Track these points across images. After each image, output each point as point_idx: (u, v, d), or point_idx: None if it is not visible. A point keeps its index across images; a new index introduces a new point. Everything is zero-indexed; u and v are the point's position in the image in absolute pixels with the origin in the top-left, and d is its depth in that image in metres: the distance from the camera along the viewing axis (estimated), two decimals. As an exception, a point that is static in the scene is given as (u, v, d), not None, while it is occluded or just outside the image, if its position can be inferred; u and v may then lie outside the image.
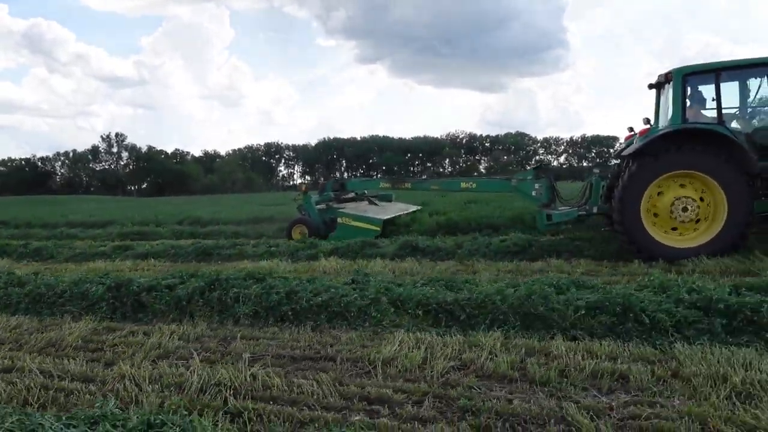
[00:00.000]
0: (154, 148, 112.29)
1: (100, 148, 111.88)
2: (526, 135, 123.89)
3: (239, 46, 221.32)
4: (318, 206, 13.17)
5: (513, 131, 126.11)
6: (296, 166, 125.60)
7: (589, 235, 10.44)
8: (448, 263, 9.19)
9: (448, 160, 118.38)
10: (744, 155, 8.13)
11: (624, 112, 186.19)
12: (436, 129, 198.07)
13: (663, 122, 9.27)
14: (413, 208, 14.97)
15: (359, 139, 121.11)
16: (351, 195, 14.08)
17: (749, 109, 8.82)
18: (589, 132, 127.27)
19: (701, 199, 8.42)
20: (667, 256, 8.34)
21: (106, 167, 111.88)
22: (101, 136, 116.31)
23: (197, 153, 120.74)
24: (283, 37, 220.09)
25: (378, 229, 12.20)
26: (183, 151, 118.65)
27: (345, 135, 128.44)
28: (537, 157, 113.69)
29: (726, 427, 3.14)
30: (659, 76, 9.25)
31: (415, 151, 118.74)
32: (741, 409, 3.34)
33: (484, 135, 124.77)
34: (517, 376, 4.09)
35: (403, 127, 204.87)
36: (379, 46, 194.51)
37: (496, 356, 4.43)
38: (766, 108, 8.60)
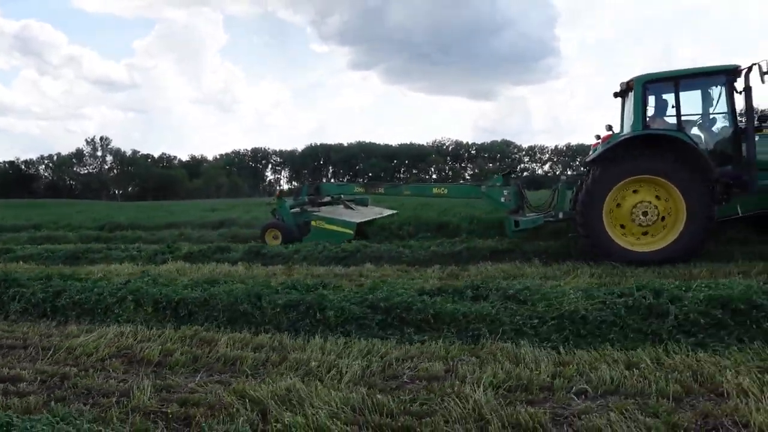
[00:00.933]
0: (138, 152, 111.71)
1: (85, 152, 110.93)
2: (512, 143, 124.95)
3: (233, 50, 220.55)
4: (292, 210, 13.18)
5: (499, 139, 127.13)
6: (283, 172, 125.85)
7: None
8: (275, 267, 9.76)
9: (433, 167, 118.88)
10: (702, 161, 8.29)
11: (616, 121, 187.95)
12: (429, 136, 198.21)
13: (626, 129, 9.43)
14: (388, 212, 15.01)
15: (346, 145, 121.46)
16: (327, 199, 14.12)
17: (708, 116, 8.99)
18: (578, 141, 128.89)
19: (662, 205, 8.54)
20: (628, 259, 8.47)
21: (91, 171, 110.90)
22: (86, 140, 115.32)
23: (185, 157, 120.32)
24: (277, 42, 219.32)
25: (351, 232, 12.24)
26: (170, 156, 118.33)
27: (338, 141, 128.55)
28: (520, 166, 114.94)
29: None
30: (621, 83, 9.43)
31: (401, 157, 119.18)
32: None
33: (470, 143, 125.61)
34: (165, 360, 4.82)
35: (395, 134, 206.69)
36: (372, 52, 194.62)
37: (166, 344, 5.16)
38: (724, 115, 8.74)
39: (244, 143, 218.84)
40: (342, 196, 14.53)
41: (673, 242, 8.44)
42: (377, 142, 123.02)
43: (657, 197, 8.59)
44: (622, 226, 8.80)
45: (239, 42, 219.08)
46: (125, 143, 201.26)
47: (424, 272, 8.68)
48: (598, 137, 10.33)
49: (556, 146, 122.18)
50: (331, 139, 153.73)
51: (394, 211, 15.14)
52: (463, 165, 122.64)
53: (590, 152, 10.16)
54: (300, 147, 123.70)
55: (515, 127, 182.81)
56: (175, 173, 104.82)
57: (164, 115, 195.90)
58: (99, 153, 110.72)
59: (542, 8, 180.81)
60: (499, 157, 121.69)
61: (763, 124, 8.39)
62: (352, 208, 14.39)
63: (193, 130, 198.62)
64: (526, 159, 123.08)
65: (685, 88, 8.74)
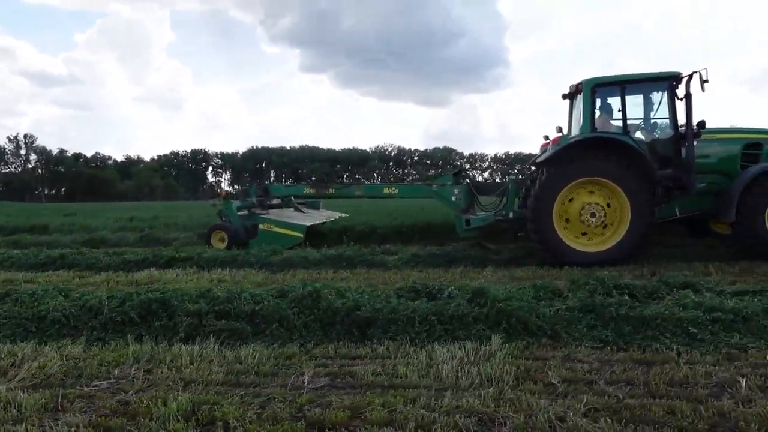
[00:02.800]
0: (66, 151, 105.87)
1: (7, 150, 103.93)
2: (454, 150, 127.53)
3: (180, 48, 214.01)
4: (240, 212, 12.69)
5: (450, 146, 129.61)
6: (225, 175, 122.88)
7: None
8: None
9: (376, 172, 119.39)
10: (646, 164, 8.59)
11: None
12: (379, 141, 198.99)
13: (574, 131, 9.67)
14: (339, 215, 14.79)
15: (288, 148, 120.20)
16: (276, 201, 13.73)
17: (651, 121, 9.35)
18: (518, 149, 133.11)
19: (608, 206, 8.81)
20: (577, 260, 8.64)
21: (14, 170, 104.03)
22: (8, 137, 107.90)
23: (120, 158, 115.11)
24: (226, 42, 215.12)
25: (301, 236, 11.86)
26: (104, 155, 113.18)
27: (281, 144, 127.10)
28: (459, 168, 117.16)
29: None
30: (571, 86, 9.67)
31: (344, 162, 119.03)
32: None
33: (413, 149, 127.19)
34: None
35: (346, 138, 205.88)
36: (324, 55, 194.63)
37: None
38: (665, 120, 9.11)
39: (189, 144, 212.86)
40: (292, 198, 14.20)
41: (618, 242, 8.69)
42: (321, 146, 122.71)
43: (604, 198, 8.84)
44: (567, 221, 8.97)
45: (187, 40, 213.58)
46: (62, 141, 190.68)
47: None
48: (546, 138, 10.57)
49: (495, 154, 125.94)
50: (281, 142, 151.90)
51: (346, 215, 14.93)
52: (405, 171, 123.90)
53: (539, 153, 10.34)
54: (242, 149, 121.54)
55: (465, 134, 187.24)
56: (106, 174, 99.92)
57: (105, 112, 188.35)
58: (23, 151, 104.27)
59: (493, 19, 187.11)
60: (441, 164, 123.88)
61: (702, 130, 8.76)
62: (302, 211, 14.04)
63: (136, 128, 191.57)
64: (467, 166, 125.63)
65: (630, 92, 9.05)
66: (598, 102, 9.20)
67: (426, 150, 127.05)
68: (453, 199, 10.83)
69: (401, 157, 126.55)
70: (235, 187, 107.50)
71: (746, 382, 3.57)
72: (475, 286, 5.46)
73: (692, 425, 3.02)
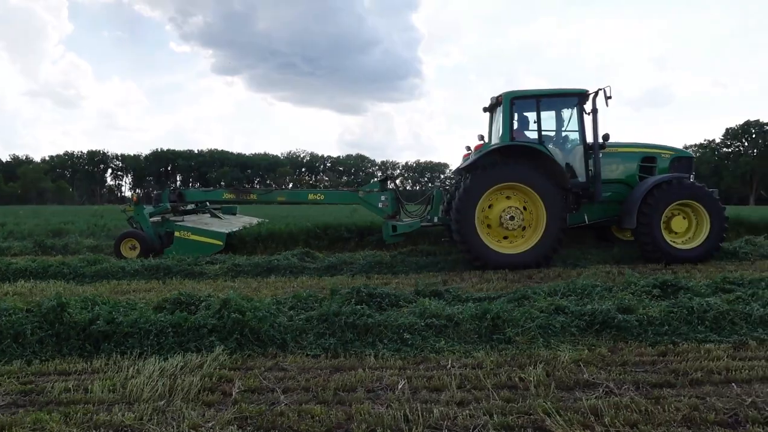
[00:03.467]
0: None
1: None
2: (366, 157, 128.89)
3: (78, 41, 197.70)
4: (152, 218, 12.01)
5: (363, 153, 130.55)
6: (125, 178, 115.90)
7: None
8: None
9: (288, 178, 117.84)
10: (559, 172, 9.29)
11: (472, 140, 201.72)
12: (293, 146, 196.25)
13: (494, 140, 10.23)
14: (257, 221, 14.49)
15: (196, 152, 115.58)
16: (191, 207, 13.17)
17: (562, 133, 10.11)
18: (434, 158, 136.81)
19: (524, 209, 9.38)
20: (499, 263, 9.12)
21: None
22: None
23: (6, 157, 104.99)
24: (131, 37, 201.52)
25: (220, 243, 11.44)
26: None
27: (189, 147, 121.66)
28: (372, 180, 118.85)
29: None
30: (492, 98, 10.24)
31: (254, 167, 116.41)
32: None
33: (325, 155, 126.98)
34: None
35: (260, 143, 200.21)
36: (238, 57, 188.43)
37: None
38: (574, 132, 9.88)
39: (87, 144, 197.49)
40: (207, 203, 13.71)
41: (536, 245, 9.27)
42: (231, 151, 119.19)
43: (521, 203, 9.41)
44: (490, 227, 9.48)
45: (86, 33, 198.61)
46: None
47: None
48: (468, 148, 11.07)
49: (407, 162, 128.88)
50: (189, 145, 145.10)
51: (265, 220, 14.67)
52: (317, 177, 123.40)
53: (462, 161, 10.82)
54: (146, 151, 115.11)
55: (379, 142, 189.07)
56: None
57: None
58: None
59: (407, 31, 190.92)
60: (354, 171, 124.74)
61: (606, 143, 9.59)
62: (219, 217, 13.60)
63: (26, 126, 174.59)
64: (379, 173, 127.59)
65: (544, 106, 9.74)
66: (516, 113, 9.78)
67: (339, 156, 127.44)
68: (380, 205, 11.01)
69: (314, 164, 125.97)
70: (137, 191, 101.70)
71: (407, 383, 3.78)
72: (224, 297, 5.31)
73: (320, 425, 3.18)
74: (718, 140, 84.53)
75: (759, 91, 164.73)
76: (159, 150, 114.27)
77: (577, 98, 9.61)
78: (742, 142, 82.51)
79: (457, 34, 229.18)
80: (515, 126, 9.77)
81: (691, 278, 7.28)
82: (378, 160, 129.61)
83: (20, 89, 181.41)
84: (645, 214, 9.17)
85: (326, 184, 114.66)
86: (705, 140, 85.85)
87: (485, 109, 10.68)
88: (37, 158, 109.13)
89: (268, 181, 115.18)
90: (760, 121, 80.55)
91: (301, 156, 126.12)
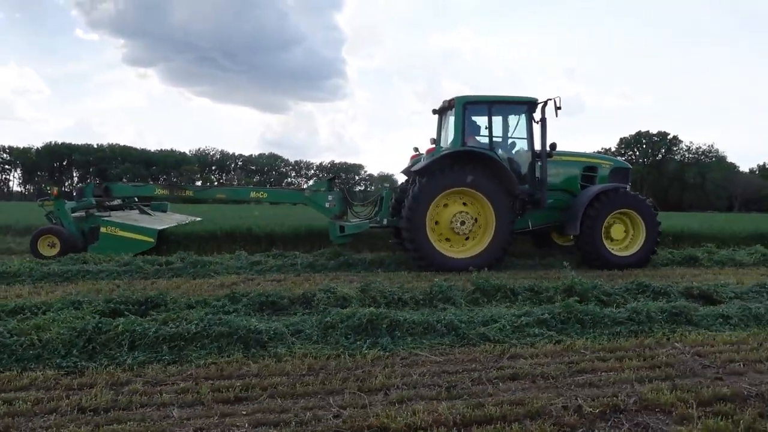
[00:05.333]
0: None
1: None
2: (279, 156, 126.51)
3: None
4: (74, 214, 11.11)
5: (267, 152, 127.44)
6: (14, 172, 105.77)
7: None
8: None
9: (196, 176, 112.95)
10: (509, 178, 9.54)
11: (393, 143, 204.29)
12: (212, 143, 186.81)
13: (444, 144, 10.36)
14: (190, 219, 13.77)
15: (95, 146, 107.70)
16: (117, 202, 12.31)
17: (510, 140, 10.41)
18: (355, 160, 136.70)
19: (476, 220, 9.56)
20: (448, 266, 9.21)
21: None
22: None
23: None
24: (30, 21, 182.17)
25: (151, 240, 10.84)
26: None
27: (95, 141, 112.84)
28: (287, 180, 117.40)
29: None
30: (444, 101, 10.34)
31: (160, 164, 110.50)
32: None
33: (236, 153, 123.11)
34: None
35: (175, 139, 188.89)
36: (152, 48, 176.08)
37: None
38: (523, 140, 10.20)
39: None
40: (135, 198, 12.87)
41: (485, 249, 9.48)
42: (134, 146, 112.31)
43: (470, 208, 9.59)
44: (436, 228, 9.58)
45: None
46: None
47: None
48: (416, 149, 11.15)
49: (321, 163, 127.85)
50: (96, 139, 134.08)
51: (198, 218, 13.96)
52: (228, 176, 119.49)
53: (410, 164, 10.86)
54: (38, 144, 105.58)
55: (303, 141, 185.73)
56: None
57: None
58: None
59: (330, 31, 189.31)
60: (266, 170, 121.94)
61: (553, 151, 9.95)
62: (148, 214, 12.82)
63: None
64: (293, 173, 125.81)
65: (495, 112, 9.97)
66: (467, 118, 9.96)
67: (251, 155, 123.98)
68: (327, 205, 10.82)
69: (224, 162, 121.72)
70: (27, 187, 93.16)
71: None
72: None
73: None
74: (613, 149, 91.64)
75: (656, 104, 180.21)
76: (53, 143, 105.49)
77: (527, 106, 9.91)
78: (634, 151, 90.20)
79: (380, 37, 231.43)
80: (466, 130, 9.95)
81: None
82: (291, 160, 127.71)
83: None
84: (588, 222, 9.57)
85: (234, 184, 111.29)
86: (602, 148, 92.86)
87: (434, 112, 10.78)
88: None
89: (175, 179, 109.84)
90: (650, 132, 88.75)
91: (211, 154, 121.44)
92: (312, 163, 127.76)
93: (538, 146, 9.94)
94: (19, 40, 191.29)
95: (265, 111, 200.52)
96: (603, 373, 4.11)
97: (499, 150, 10.01)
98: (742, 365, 4.33)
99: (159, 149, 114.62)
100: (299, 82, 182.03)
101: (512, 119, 10.28)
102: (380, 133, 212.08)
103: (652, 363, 4.38)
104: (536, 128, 9.93)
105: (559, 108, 9.42)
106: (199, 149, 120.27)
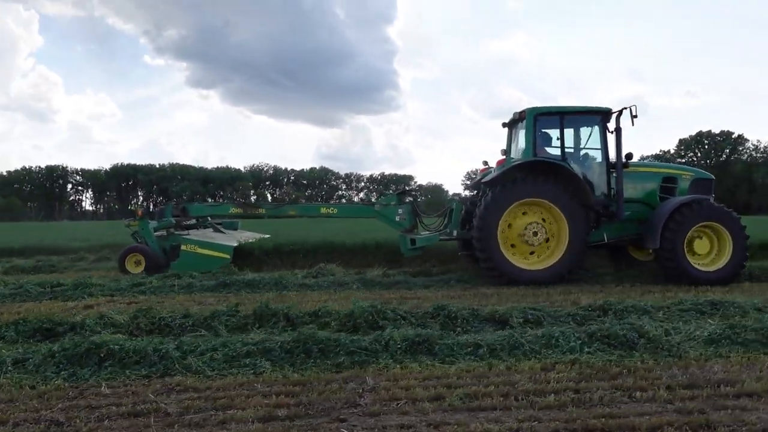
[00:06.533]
0: None
1: None
2: (330, 170, 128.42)
3: (49, 54, 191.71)
4: (157, 233, 11.77)
5: (318, 166, 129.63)
6: (86, 193, 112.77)
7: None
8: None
9: (252, 192, 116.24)
10: (583, 189, 9.39)
11: (447, 152, 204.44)
12: (269, 159, 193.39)
13: (515, 155, 10.32)
14: (260, 236, 14.26)
15: (157, 166, 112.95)
16: (192, 222, 12.94)
17: (583, 151, 10.24)
18: (407, 171, 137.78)
19: (544, 220, 9.46)
20: (520, 279, 9.16)
21: None
22: None
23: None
24: (104, 51, 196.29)
25: (228, 257, 11.35)
26: None
27: (176, 160, 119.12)
28: (338, 193, 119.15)
29: None
30: (514, 113, 10.31)
31: (216, 181, 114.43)
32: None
33: (289, 168, 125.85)
34: None
35: (236, 157, 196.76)
36: (213, 70, 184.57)
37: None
38: (596, 150, 10.01)
39: (58, 158, 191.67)
40: (209, 218, 13.47)
41: (557, 263, 9.34)
42: (192, 165, 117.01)
43: (543, 220, 9.50)
44: (513, 246, 9.55)
45: (58, 46, 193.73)
46: None
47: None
48: (485, 163, 11.17)
49: (371, 175, 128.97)
50: (164, 159, 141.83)
51: (267, 236, 14.43)
52: (282, 190, 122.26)
53: (478, 176, 10.88)
54: (107, 166, 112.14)
55: (358, 154, 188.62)
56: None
57: None
58: None
59: (381, 43, 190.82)
60: (318, 183, 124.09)
61: (629, 162, 9.72)
62: (222, 232, 13.38)
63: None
64: (344, 186, 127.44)
65: (567, 123, 9.83)
66: (538, 129, 9.89)
67: (303, 170, 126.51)
68: (397, 218, 10.94)
69: (277, 177, 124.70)
70: (98, 206, 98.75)
71: None
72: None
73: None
74: (672, 151, 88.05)
75: (724, 102, 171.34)
76: (120, 165, 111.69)
77: (600, 116, 9.74)
78: (695, 152, 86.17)
79: (432, 47, 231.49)
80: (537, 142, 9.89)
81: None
82: (342, 173, 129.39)
83: None
84: (669, 235, 9.15)
85: (287, 198, 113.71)
86: (660, 151, 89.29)
87: (504, 125, 10.79)
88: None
89: (230, 195, 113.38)
90: (712, 131, 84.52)
91: (265, 169, 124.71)
92: (362, 176, 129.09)
93: (613, 157, 9.73)
94: (95, 69, 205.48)
95: (320, 126, 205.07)
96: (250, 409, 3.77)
97: (572, 161, 9.85)
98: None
99: (215, 167, 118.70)
100: (353, 96, 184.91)
101: (585, 130, 10.12)
102: (434, 142, 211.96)
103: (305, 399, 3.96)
104: (611, 138, 9.75)
105: (636, 117, 9.24)
106: (253, 165, 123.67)
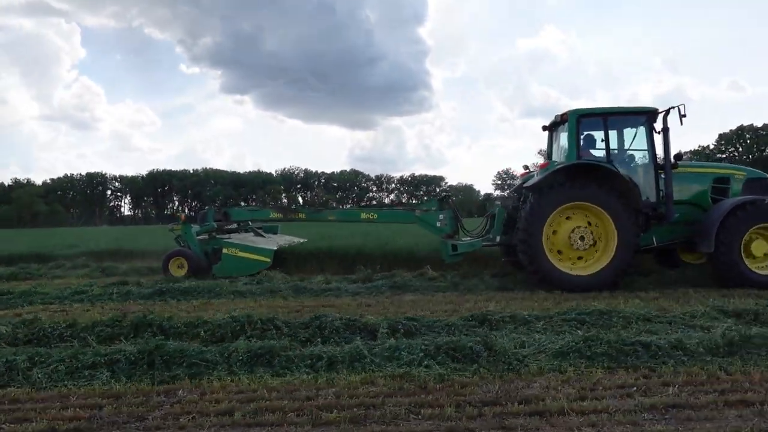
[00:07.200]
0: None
1: None
2: (360, 173, 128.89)
3: (91, 65, 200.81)
4: (199, 237, 12.03)
5: (348, 169, 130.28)
6: (124, 199, 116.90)
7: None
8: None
9: (284, 195, 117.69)
10: (631, 191, 9.13)
11: (478, 151, 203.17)
12: (305, 163, 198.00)
13: (558, 158, 10.14)
14: (298, 240, 14.41)
15: (191, 171, 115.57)
16: (233, 226, 13.16)
17: (628, 152, 9.96)
18: (440, 172, 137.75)
19: (589, 223, 9.23)
20: (567, 285, 8.92)
21: None
22: None
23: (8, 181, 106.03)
24: (142, 60, 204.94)
25: (268, 260, 11.51)
26: None
27: (212, 165, 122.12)
28: (368, 195, 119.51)
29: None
30: (555, 116, 10.14)
31: (248, 185, 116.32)
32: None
33: (319, 171, 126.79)
34: None
35: (271, 161, 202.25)
36: (246, 76, 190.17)
37: None
38: (643, 152, 9.72)
39: (100, 166, 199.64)
40: (249, 222, 13.68)
41: (604, 268, 9.06)
42: (225, 169, 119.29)
43: (589, 223, 9.28)
44: (559, 252, 9.33)
45: (99, 57, 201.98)
46: None
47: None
48: (526, 167, 11.01)
49: (401, 176, 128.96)
50: (200, 164, 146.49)
51: (304, 240, 14.57)
52: (310, 193, 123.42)
53: (521, 182, 10.70)
54: (144, 172, 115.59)
55: (391, 155, 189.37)
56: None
57: (7, 131, 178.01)
58: None
59: (413, 44, 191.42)
60: (348, 185, 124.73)
61: (678, 163, 9.42)
62: (262, 235, 13.57)
63: (42, 149, 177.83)
64: (374, 188, 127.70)
65: (611, 124, 9.60)
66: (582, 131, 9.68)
67: (333, 173, 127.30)
68: (438, 224, 10.88)
69: (308, 180, 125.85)
70: (136, 211, 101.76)
71: None
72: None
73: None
74: (711, 146, 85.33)
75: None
76: (155, 171, 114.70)
77: (646, 116, 9.48)
78: (735, 147, 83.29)
79: (464, 46, 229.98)
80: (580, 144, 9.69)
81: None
82: (372, 175, 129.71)
83: (35, 114, 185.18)
84: (724, 238, 8.80)
85: (318, 200, 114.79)
86: (699, 146, 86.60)
87: (545, 128, 10.61)
88: (38, 181, 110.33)
89: (264, 199, 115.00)
90: (755, 125, 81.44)
91: (295, 173, 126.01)
92: (392, 177, 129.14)
93: (660, 158, 9.44)
94: (135, 79, 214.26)
95: (354, 128, 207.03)
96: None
97: (617, 163, 9.56)
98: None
99: (247, 171, 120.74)
100: (386, 97, 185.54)
101: (630, 130, 9.85)
102: (467, 141, 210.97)
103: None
104: (658, 139, 9.45)
105: (684, 116, 8.94)
106: (284, 169, 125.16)
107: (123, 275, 12.40)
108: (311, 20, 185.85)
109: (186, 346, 5.19)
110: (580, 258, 9.33)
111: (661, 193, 9.49)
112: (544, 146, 10.94)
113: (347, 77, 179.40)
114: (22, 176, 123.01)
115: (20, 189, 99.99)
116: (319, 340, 5.66)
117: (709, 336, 5.32)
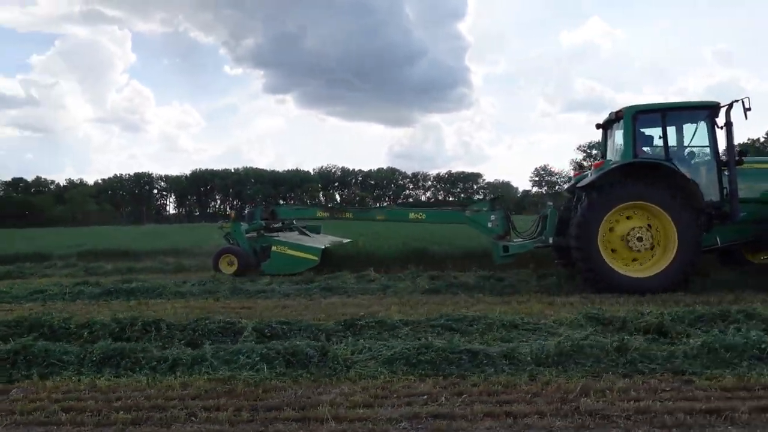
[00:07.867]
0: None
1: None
2: (397, 170, 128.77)
3: (141, 69, 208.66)
4: (248, 234, 12.29)
5: (385, 167, 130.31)
6: (169, 198, 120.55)
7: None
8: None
9: (321, 193, 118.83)
10: (693, 190, 8.78)
11: (518, 148, 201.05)
12: (345, 161, 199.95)
13: (613, 157, 9.87)
14: (344, 240, 14.53)
15: (232, 171, 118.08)
16: (279, 224, 13.38)
17: (688, 149, 9.64)
18: (460, 169, 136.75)
19: (649, 227, 8.91)
20: (624, 287, 8.62)
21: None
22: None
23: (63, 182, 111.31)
24: (188, 63, 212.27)
25: (316, 258, 11.65)
26: (46, 180, 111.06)
27: (255, 164, 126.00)
28: (405, 192, 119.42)
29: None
30: (610, 113, 9.86)
31: (286, 183, 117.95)
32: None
33: (356, 170, 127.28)
34: None
35: (312, 159, 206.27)
36: (288, 76, 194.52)
37: None
38: (705, 148, 9.38)
39: (150, 167, 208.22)
40: (294, 221, 13.87)
41: (665, 269, 8.70)
42: (265, 168, 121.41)
43: (649, 226, 8.93)
44: (613, 251, 9.04)
45: (148, 61, 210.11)
46: (20, 164, 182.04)
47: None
48: (581, 166, 10.80)
49: (438, 173, 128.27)
50: (242, 163, 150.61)
51: (349, 240, 14.67)
52: (350, 191, 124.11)
53: (572, 180, 10.48)
54: (187, 172, 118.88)
55: (430, 152, 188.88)
56: (38, 200, 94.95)
57: (65, 133, 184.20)
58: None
59: (452, 40, 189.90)
60: (385, 183, 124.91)
61: (744, 158, 9.03)
62: (308, 235, 13.74)
63: (95, 151, 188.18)
64: (411, 186, 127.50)
65: (670, 120, 9.27)
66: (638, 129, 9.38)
67: (370, 170, 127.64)
68: (489, 225, 10.75)
69: (345, 178, 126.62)
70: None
71: None
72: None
73: None
74: (762, 139, 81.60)
75: None
76: (198, 170, 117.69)
77: (708, 111, 9.12)
78: (787, 141, 79.54)
79: (504, 41, 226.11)
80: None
81: None
82: (409, 173, 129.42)
83: (89, 116, 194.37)
84: None
85: (353, 198, 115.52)
86: (748, 139, 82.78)
87: (599, 126, 10.35)
88: (91, 182, 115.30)
89: (302, 197, 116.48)
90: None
91: (333, 171, 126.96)
92: (429, 175, 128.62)
93: (724, 154, 9.12)
94: (181, 81, 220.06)
95: (393, 125, 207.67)
96: None
97: (677, 160, 9.22)
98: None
99: (286, 170, 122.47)
100: (425, 94, 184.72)
101: (690, 126, 9.50)
102: (508, 138, 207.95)
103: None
104: (720, 134, 9.12)
105: (749, 109, 8.54)
106: (321, 167, 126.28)
107: (103, 275, 12.62)
108: (351, 19, 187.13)
109: (54, 347, 5.21)
110: (634, 260, 9.03)
111: (725, 191, 9.10)
112: (585, 141, 10.72)
113: (387, 75, 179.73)
114: (76, 177, 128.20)
115: (73, 189, 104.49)
116: (189, 342, 5.66)
117: (546, 344, 5.11)
